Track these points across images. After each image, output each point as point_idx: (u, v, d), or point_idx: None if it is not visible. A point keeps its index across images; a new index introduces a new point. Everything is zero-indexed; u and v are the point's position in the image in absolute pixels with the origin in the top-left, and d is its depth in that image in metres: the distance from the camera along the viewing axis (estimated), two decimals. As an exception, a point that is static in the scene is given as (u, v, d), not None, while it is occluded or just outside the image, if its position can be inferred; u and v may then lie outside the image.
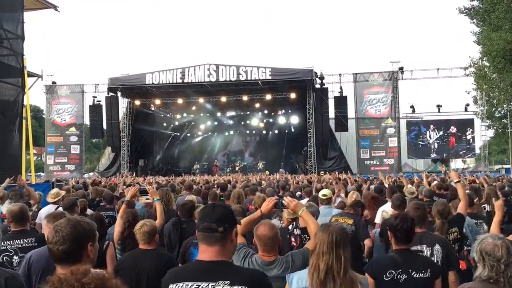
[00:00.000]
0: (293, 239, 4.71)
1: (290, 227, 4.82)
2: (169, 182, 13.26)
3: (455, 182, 5.33)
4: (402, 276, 3.14)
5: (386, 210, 6.22)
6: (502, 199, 7.29)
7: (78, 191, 8.46)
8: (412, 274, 3.16)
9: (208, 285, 2.10)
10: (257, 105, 29.94)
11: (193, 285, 2.13)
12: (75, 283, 1.39)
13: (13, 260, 3.92)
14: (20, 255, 3.83)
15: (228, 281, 2.08)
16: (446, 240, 4.14)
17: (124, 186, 10.86)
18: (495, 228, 4.20)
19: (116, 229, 4.68)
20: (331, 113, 27.17)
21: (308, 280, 2.66)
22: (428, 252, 3.84)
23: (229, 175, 25.24)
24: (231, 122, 34.92)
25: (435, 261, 3.72)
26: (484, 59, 23.78)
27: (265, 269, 2.99)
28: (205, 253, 2.21)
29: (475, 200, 6.24)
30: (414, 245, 3.72)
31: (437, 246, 3.87)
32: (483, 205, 6.65)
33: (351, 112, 27.76)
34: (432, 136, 28.23)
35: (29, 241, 4.02)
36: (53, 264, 3.31)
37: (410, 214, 3.98)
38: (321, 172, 21.92)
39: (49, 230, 2.19)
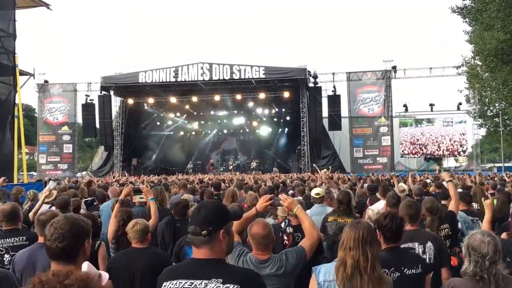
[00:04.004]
0: (285, 237, 4.71)
1: (282, 224, 4.82)
2: (161, 181, 13.22)
3: (447, 181, 5.37)
4: (395, 274, 3.14)
5: (372, 208, 6.23)
6: (494, 197, 7.36)
7: (70, 190, 8.43)
8: (404, 271, 3.16)
9: (201, 283, 2.11)
10: (251, 103, 29.95)
11: (186, 282, 2.15)
12: (57, 284, 1.37)
13: (4, 258, 3.93)
14: (11, 253, 3.83)
15: (221, 280, 2.10)
16: (438, 237, 4.15)
17: (118, 185, 10.81)
18: (487, 227, 4.24)
19: (110, 228, 4.67)
20: (325, 112, 27.27)
21: (334, 274, 2.69)
22: (420, 250, 3.85)
23: (223, 174, 25.20)
24: (224, 121, 34.88)
25: (427, 258, 3.73)
26: (476, 58, 23.93)
27: (259, 267, 3.00)
28: (197, 253, 2.25)
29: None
30: (406, 242, 3.74)
31: (429, 244, 3.88)
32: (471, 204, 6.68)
33: (344, 111, 27.87)
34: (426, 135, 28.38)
35: (20, 239, 4.03)
36: (32, 264, 3.35)
37: (403, 212, 3.99)
38: (324, 169, 21.57)
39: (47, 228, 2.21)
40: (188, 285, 2.13)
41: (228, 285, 2.08)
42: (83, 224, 2.23)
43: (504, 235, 3.91)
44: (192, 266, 2.24)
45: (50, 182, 7.45)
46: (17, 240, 4.03)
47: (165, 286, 2.20)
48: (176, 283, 2.17)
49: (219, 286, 2.08)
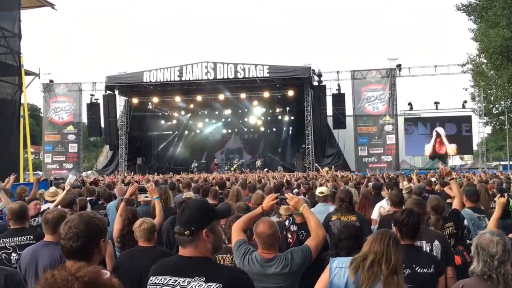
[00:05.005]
0: (289, 235, 4.72)
1: (286, 222, 4.83)
2: (166, 180, 13.24)
3: (449, 179, 5.34)
4: (406, 271, 3.12)
5: (383, 206, 6.22)
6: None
7: (74, 189, 8.44)
8: (416, 269, 3.15)
9: (184, 280, 2.15)
10: (255, 102, 29.94)
11: (171, 279, 2.20)
12: (69, 276, 1.38)
13: (12, 257, 3.95)
14: (19, 252, 3.85)
15: (204, 278, 2.12)
16: (444, 236, 4.15)
17: (123, 184, 10.84)
18: (493, 224, 4.21)
19: (116, 227, 4.68)
20: (329, 110, 27.20)
21: (348, 263, 2.72)
22: (428, 248, 3.85)
23: (227, 173, 25.21)
24: (229, 120, 34.87)
25: (434, 257, 3.72)
26: (481, 56, 23.78)
27: (264, 266, 3.00)
28: (182, 251, 2.30)
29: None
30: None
31: (436, 242, 3.88)
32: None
33: (349, 110, 27.76)
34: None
35: (28, 238, 4.04)
36: (35, 261, 3.38)
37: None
38: (326, 168, 21.50)
39: (62, 226, 2.21)
40: (172, 282, 2.18)
41: (210, 283, 2.10)
42: (99, 223, 2.21)
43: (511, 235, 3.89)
44: (177, 263, 2.29)
45: (70, 176, 7.53)
46: (25, 239, 4.04)
47: (151, 281, 2.27)
48: (161, 279, 2.23)
49: (201, 285, 2.11)
